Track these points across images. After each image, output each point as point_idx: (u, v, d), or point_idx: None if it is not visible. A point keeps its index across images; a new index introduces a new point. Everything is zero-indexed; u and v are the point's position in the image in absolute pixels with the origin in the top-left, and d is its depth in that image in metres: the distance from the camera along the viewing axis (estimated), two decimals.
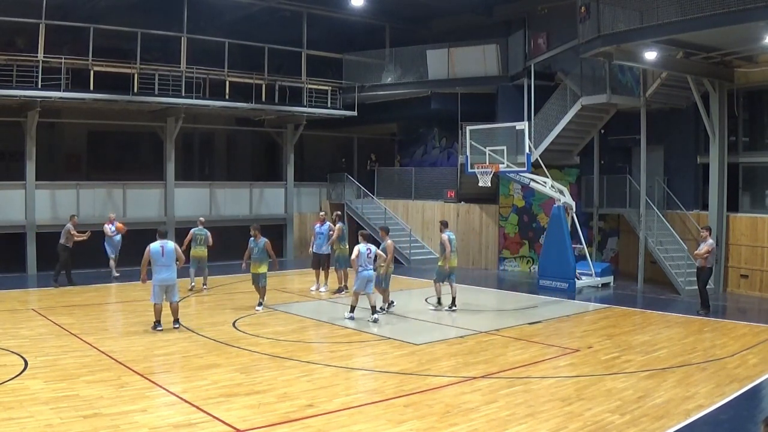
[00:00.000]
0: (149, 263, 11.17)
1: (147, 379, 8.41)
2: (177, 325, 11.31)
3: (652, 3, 13.72)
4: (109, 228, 17.39)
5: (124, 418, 6.92)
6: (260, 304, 13.45)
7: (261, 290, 13.44)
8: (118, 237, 17.50)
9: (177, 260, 11.28)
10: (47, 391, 7.80)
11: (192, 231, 15.62)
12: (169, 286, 11.15)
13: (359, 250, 12.27)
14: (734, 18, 12.40)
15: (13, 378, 8.26)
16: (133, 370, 8.79)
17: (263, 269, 13.26)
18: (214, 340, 10.67)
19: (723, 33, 13.37)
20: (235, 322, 12.11)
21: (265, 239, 13.29)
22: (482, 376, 8.92)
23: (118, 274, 17.22)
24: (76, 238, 16.07)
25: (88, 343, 10.19)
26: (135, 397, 7.66)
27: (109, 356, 9.48)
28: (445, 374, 9.06)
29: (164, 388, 8.03)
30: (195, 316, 12.59)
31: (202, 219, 16.56)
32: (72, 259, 16.25)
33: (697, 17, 12.86)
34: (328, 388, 8.27)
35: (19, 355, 9.35)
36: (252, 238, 13.27)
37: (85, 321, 11.95)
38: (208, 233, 15.68)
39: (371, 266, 12.38)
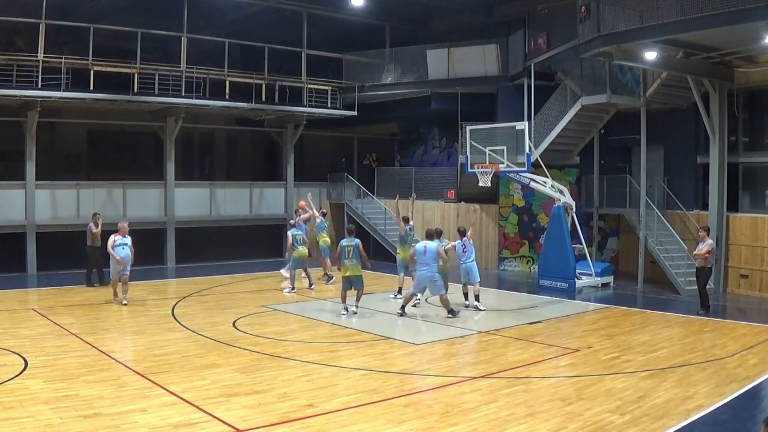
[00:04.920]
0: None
1: (147, 379, 8.40)
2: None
3: (652, 3, 13.73)
4: (114, 239, 13.74)
5: (124, 418, 6.92)
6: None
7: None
8: (124, 252, 13.59)
9: (440, 259, 12.60)
10: (47, 391, 7.80)
11: (341, 243, 13.53)
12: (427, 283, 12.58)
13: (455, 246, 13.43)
14: (734, 18, 12.40)
15: (13, 378, 8.26)
16: (133, 370, 8.79)
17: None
18: (214, 340, 10.66)
19: (723, 33, 13.37)
20: (235, 322, 12.11)
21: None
22: (482, 376, 8.91)
23: (125, 303, 13.58)
24: (93, 233, 15.42)
25: (88, 343, 10.18)
26: (135, 397, 7.66)
27: (109, 356, 9.48)
28: (445, 374, 9.07)
29: (164, 388, 8.02)
30: (195, 316, 12.59)
31: (350, 226, 14.89)
32: (101, 259, 15.48)
33: (697, 17, 12.87)
34: (328, 388, 8.27)
35: (19, 355, 9.35)
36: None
37: (85, 321, 11.94)
38: (359, 242, 13.34)
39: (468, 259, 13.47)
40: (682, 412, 7.47)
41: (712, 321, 12.97)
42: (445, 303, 12.75)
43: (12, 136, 19.22)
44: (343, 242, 13.04)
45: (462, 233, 13.58)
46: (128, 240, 13.83)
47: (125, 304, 13.40)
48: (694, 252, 13.88)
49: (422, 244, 12.74)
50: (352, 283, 12.90)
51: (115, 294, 13.83)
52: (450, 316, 12.63)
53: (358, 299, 13.01)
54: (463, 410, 7.51)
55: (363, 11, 21.37)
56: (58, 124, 21.43)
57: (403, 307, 12.95)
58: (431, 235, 13.06)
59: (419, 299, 13.88)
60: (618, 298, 15.97)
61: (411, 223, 15.51)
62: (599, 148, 19.99)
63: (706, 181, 17.03)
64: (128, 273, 13.69)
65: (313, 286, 16.01)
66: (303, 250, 15.75)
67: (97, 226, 15.67)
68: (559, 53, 18.89)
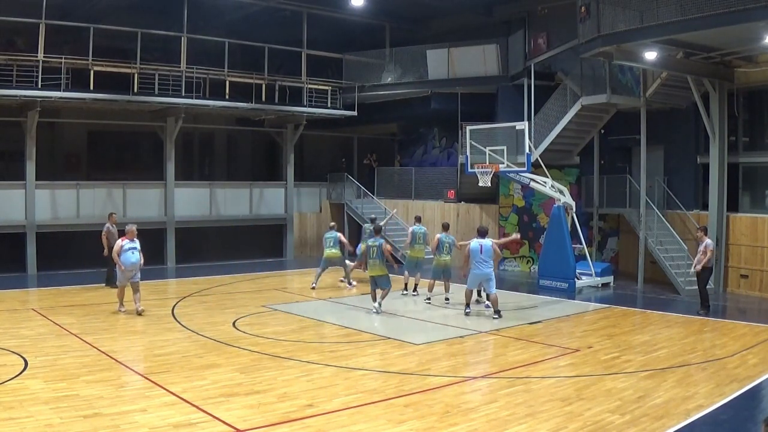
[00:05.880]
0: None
1: (147, 379, 8.41)
2: (496, 316, 12.61)
3: (652, 3, 13.73)
4: (121, 244, 12.61)
5: (124, 418, 6.92)
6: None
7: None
8: (135, 257, 12.52)
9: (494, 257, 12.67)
10: (47, 391, 7.80)
11: (367, 242, 13.89)
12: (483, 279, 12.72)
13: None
14: (734, 18, 12.40)
15: (13, 378, 8.26)
16: (133, 370, 8.80)
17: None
18: (214, 340, 10.66)
19: (723, 33, 13.37)
20: (235, 322, 12.11)
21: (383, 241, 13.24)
22: (482, 376, 8.92)
23: (123, 309, 12.70)
24: (104, 241, 14.67)
25: (88, 343, 10.18)
26: (135, 397, 7.67)
27: (109, 356, 9.47)
28: (445, 374, 9.06)
29: (164, 388, 8.02)
30: (195, 316, 12.58)
31: (378, 225, 14.51)
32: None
33: (697, 17, 12.87)
34: (328, 388, 8.27)
35: (19, 355, 9.35)
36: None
37: (85, 321, 11.93)
38: (382, 242, 13.35)
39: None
40: (682, 412, 7.47)
41: (712, 321, 12.97)
42: (494, 302, 12.87)
43: (12, 136, 19.23)
44: (369, 242, 13.20)
45: (484, 233, 13.29)
46: (137, 244, 12.65)
47: (140, 313, 12.35)
48: (696, 258, 13.74)
49: (477, 243, 12.66)
50: (377, 282, 13.00)
51: (121, 303, 12.66)
52: (497, 317, 12.68)
53: (382, 297, 13.06)
54: (463, 410, 7.51)
55: (363, 11, 21.38)
56: (58, 124, 21.43)
57: (467, 305, 13.10)
58: (483, 233, 12.91)
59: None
60: (618, 298, 15.97)
61: (422, 225, 15.92)
62: (599, 148, 19.99)
63: (706, 181, 17.04)
64: (138, 279, 12.70)
65: (346, 282, 16.47)
66: (330, 252, 16.05)
67: (114, 227, 15.04)
68: (559, 53, 18.89)
